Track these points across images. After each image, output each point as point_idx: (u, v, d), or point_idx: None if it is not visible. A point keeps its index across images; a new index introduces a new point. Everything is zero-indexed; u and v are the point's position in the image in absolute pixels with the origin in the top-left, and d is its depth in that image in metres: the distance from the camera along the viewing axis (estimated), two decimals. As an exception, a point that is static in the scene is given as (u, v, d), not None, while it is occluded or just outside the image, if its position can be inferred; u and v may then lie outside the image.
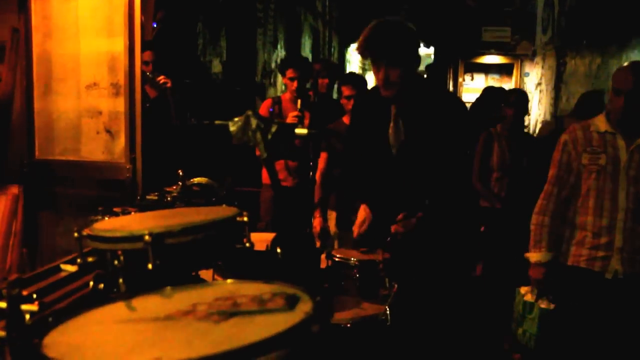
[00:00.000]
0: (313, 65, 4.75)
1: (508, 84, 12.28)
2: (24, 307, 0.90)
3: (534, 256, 2.73)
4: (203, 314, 0.87)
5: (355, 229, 2.57)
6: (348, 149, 2.85)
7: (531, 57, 11.57)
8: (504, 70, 12.63)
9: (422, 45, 14.03)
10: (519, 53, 11.97)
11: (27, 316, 0.91)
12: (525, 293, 2.87)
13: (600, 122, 2.68)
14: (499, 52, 12.22)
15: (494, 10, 11.90)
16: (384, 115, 2.50)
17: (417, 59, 2.51)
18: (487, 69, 12.78)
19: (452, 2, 11.81)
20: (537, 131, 9.72)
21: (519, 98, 4.35)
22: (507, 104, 4.30)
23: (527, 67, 11.86)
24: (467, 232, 4.05)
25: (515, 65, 12.23)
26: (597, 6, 6.52)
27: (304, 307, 0.87)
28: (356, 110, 2.84)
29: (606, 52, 6.12)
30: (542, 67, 10.27)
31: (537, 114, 10.65)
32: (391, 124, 2.49)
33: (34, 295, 1.00)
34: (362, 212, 2.57)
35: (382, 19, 2.44)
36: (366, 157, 2.61)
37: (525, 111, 4.44)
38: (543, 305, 2.79)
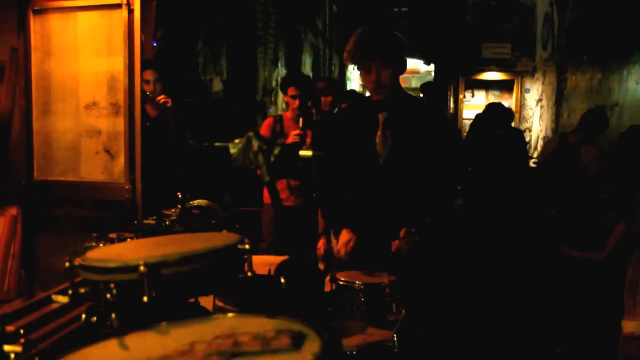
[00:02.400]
0: (316, 83, 4.72)
1: (508, 101, 12.27)
2: (7, 347, 0.84)
3: (628, 325, 2.17)
4: (201, 355, 0.81)
5: (341, 249, 2.51)
6: (326, 167, 2.76)
7: (531, 73, 11.58)
8: (504, 87, 12.64)
9: (422, 62, 14.09)
10: (519, 69, 11.99)
11: (12, 356, 0.85)
12: None
13: None
14: (499, 69, 12.24)
15: (493, 27, 11.93)
16: (370, 124, 2.50)
17: (403, 62, 2.53)
18: (487, 86, 12.80)
19: (451, 19, 11.84)
20: (539, 148, 9.68)
21: None
22: None
23: (528, 83, 11.87)
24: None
25: (515, 82, 12.24)
26: (597, 22, 6.51)
27: (312, 347, 0.80)
28: (337, 123, 2.79)
29: (607, 67, 6.09)
30: (543, 83, 10.27)
31: (538, 130, 10.62)
32: (379, 133, 2.47)
33: (21, 331, 0.94)
34: (346, 233, 2.51)
35: (366, 26, 2.49)
36: (349, 170, 2.56)
37: None
38: None
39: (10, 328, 0.93)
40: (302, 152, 1.41)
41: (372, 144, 2.47)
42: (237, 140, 1.34)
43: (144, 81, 3.64)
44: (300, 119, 3.82)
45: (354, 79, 15.22)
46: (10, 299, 3.50)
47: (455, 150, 2.58)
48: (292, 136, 3.75)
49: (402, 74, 2.52)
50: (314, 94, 4.48)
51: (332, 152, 2.62)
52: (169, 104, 3.64)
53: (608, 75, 6.05)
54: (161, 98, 3.62)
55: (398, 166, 2.43)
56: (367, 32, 2.45)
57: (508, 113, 7.01)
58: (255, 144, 1.31)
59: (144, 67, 3.64)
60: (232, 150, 1.33)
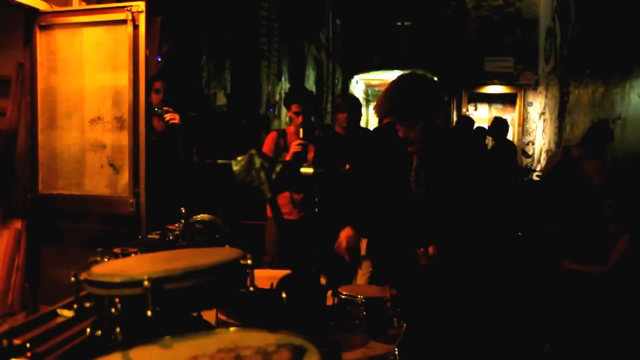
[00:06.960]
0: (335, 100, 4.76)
1: (512, 114, 12.30)
2: (15, 361, 0.86)
3: None
4: (204, 368, 0.82)
5: (343, 242, 2.47)
6: (356, 181, 2.75)
7: (534, 87, 11.61)
8: (507, 100, 12.67)
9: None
10: (522, 83, 12.02)
11: (19, 370, 0.87)
12: None
13: None
14: (502, 82, 12.27)
15: (495, 41, 11.99)
16: (405, 161, 2.47)
17: (437, 113, 2.46)
18: (490, 99, 12.82)
19: (454, 33, 11.91)
20: (542, 161, 9.68)
21: None
22: None
23: (531, 97, 11.90)
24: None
25: (518, 95, 12.26)
26: (599, 35, 6.54)
27: (311, 361, 0.82)
28: (373, 149, 2.78)
29: (609, 80, 6.11)
30: (546, 97, 10.29)
31: (541, 144, 10.63)
32: (412, 173, 2.45)
33: (28, 345, 0.96)
34: (348, 233, 2.47)
35: (399, 78, 2.43)
36: (379, 192, 2.53)
37: None
38: None
39: (17, 341, 0.95)
40: (303, 170, 1.43)
41: (406, 180, 2.46)
42: (239, 158, 1.36)
43: (153, 90, 3.65)
44: (301, 130, 3.84)
45: (357, 93, 15.26)
46: (14, 312, 3.51)
47: (484, 183, 2.50)
48: (294, 146, 3.77)
49: (436, 122, 2.43)
50: (317, 110, 4.51)
51: (364, 170, 2.63)
52: (177, 121, 3.61)
53: (610, 89, 6.07)
54: (169, 116, 3.59)
55: (433, 202, 2.39)
56: (396, 91, 2.38)
57: (494, 126, 7.05)
58: (258, 161, 1.33)
59: (154, 80, 3.67)
60: (235, 168, 1.34)
